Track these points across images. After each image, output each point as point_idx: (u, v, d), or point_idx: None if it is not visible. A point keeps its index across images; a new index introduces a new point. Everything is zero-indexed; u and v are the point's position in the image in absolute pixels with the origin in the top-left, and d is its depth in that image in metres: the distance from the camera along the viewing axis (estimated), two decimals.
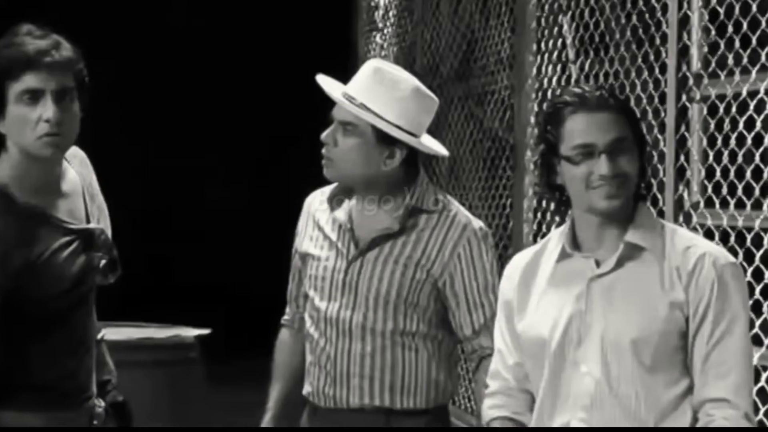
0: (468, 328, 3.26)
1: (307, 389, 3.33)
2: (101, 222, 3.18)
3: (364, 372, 3.23)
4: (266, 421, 3.43)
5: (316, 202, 3.38)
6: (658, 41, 4.39)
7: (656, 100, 4.41)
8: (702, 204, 4.12)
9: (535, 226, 5.43)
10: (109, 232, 3.18)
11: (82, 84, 3.03)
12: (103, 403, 3.24)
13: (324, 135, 3.24)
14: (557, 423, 2.77)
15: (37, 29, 2.99)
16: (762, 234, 3.81)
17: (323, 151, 3.24)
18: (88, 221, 3.12)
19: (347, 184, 3.28)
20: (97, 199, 3.22)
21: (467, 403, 6.26)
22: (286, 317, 3.51)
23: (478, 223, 3.29)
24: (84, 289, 3.12)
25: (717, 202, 4.03)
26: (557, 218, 5.21)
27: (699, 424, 2.67)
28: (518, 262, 2.93)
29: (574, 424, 2.73)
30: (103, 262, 3.13)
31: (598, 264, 2.74)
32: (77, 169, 3.17)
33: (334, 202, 3.31)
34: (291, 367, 3.44)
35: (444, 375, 3.29)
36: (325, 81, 3.27)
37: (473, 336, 3.25)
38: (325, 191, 3.38)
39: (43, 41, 2.96)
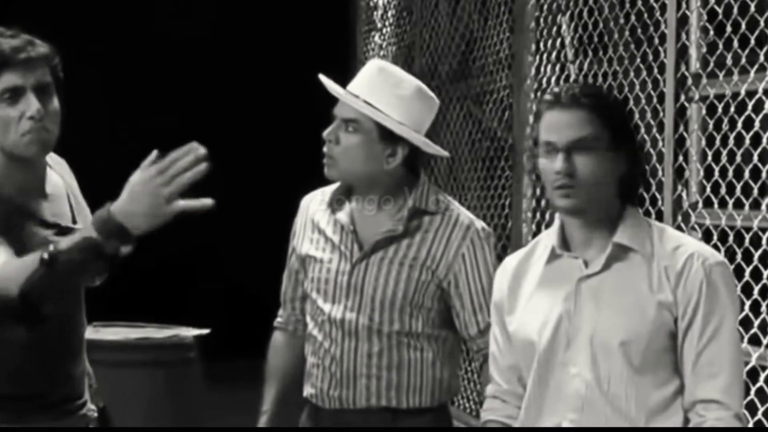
0: (473, 328, 3.26)
1: (309, 391, 3.33)
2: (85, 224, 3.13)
3: (371, 372, 3.24)
4: (262, 423, 3.43)
5: (315, 203, 3.37)
6: (656, 41, 4.40)
7: (655, 100, 4.41)
8: (700, 204, 4.12)
9: (534, 226, 5.43)
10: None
11: (59, 80, 3.00)
12: (95, 409, 3.20)
13: (326, 132, 3.22)
14: (546, 424, 2.77)
15: (6, 30, 2.96)
16: (760, 234, 3.81)
17: (325, 149, 3.23)
18: (74, 223, 3.08)
19: (348, 183, 3.27)
20: (81, 202, 3.19)
21: (467, 404, 6.26)
22: (279, 319, 3.50)
23: (480, 224, 3.29)
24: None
25: (715, 201, 4.03)
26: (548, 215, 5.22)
27: (690, 425, 2.67)
28: (508, 264, 2.94)
29: (565, 425, 2.73)
30: None
31: (586, 264, 2.75)
32: (59, 173, 3.13)
33: (335, 203, 3.31)
34: (286, 370, 3.44)
35: (448, 373, 3.31)
36: (326, 80, 3.27)
37: (478, 335, 3.26)
38: (325, 191, 3.37)
39: (16, 40, 2.93)
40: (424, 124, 3.26)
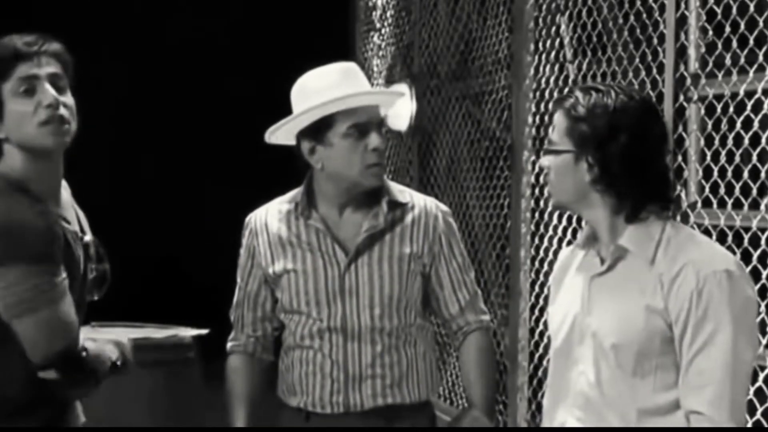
0: (455, 306, 3.33)
1: (300, 400, 3.30)
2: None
3: (376, 372, 3.25)
4: None
5: (273, 220, 3.34)
6: (655, 41, 4.40)
7: (654, 100, 4.40)
8: (699, 204, 4.12)
9: (533, 226, 5.43)
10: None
11: (72, 78, 2.97)
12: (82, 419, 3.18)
13: (380, 142, 3.21)
14: (558, 417, 2.80)
15: (17, 33, 2.94)
16: (759, 234, 3.81)
17: (378, 159, 3.22)
18: (81, 232, 3.05)
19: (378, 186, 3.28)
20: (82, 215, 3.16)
21: (465, 403, 6.25)
22: (235, 343, 3.44)
23: (444, 206, 3.39)
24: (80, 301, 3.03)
25: (714, 202, 4.03)
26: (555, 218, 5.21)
27: None
28: (562, 253, 2.98)
29: (571, 422, 2.75)
30: (94, 274, 3.06)
31: (602, 262, 2.75)
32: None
33: (305, 214, 3.29)
34: (251, 393, 3.39)
35: (434, 364, 3.37)
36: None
37: (459, 313, 3.34)
38: (280, 205, 3.35)
39: (28, 36, 2.92)
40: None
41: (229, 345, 3.45)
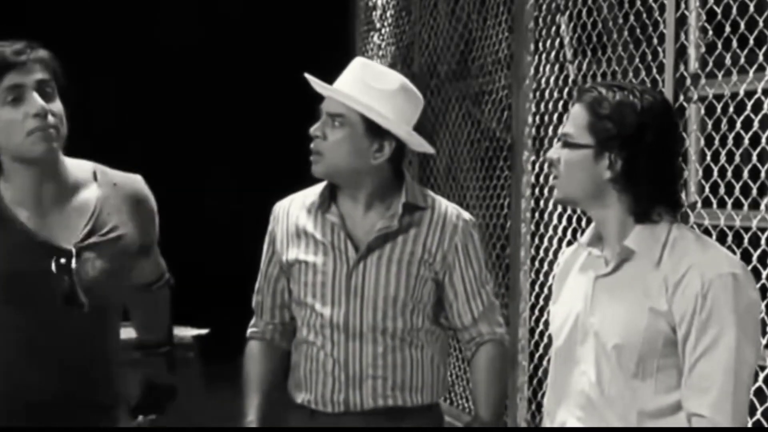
0: (467, 316, 3.31)
1: (305, 397, 3.31)
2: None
3: (377, 373, 3.24)
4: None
5: (295, 208, 3.35)
6: (655, 41, 4.39)
7: None
8: (699, 204, 4.12)
9: (533, 226, 5.43)
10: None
11: (61, 83, 2.97)
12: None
13: (313, 128, 3.23)
14: (558, 417, 2.79)
15: (5, 41, 2.95)
16: (759, 234, 3.81)
17: (312, 145, 3.24)
18: (84, 240, 3.02)
19: (335, 180, 3.28)
20: (125, 220, 3.16)
21: (465, 403, 6.26)
22: (255, 329, 3.46)
23: (467, 214, 3.35)
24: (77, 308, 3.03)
25: (714, 202, 4.03)
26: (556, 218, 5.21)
27: None
28: (565, 253, 2.96)
29: (571, 422, 2.75)
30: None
31: (607, 263, 2.74)
32: (105, 191, 3.07)
33: (323, 207, 3.30)
34: (266, 380, 3.39)
35: (443, 369, 3.35)
36: (311, 77, 3.28)
37: (472, 324, 3.31)
38: (306, 195, 3.36)
39: (15, 45, 2.93)
40: (409, 119, 3.27)
41: (248, 331, 3.47)
